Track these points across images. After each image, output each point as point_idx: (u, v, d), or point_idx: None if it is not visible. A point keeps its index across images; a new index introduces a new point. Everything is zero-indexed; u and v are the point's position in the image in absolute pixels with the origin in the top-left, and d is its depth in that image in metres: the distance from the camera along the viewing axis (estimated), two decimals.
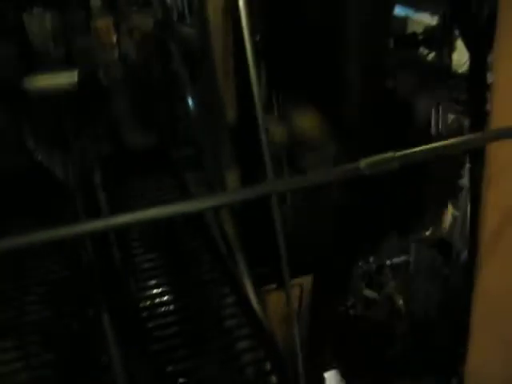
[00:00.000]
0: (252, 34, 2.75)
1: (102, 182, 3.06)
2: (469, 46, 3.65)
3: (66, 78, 2.51)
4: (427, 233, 4.51)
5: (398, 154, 1.26)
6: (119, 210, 2.99)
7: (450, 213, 4.39)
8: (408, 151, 1.23)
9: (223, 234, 2.73)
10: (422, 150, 1.30)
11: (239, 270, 2.65)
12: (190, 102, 2.98)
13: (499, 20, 1.57)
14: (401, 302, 4.16)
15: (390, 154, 1.25)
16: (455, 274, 4.31)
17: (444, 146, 1.37)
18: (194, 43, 3.49)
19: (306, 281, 3.71)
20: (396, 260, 4.40)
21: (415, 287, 4.40)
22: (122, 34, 2.75)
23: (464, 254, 4.26)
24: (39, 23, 2.52)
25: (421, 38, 4.64)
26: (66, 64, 2.65)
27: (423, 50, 4.52)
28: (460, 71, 4.03)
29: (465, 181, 4.41)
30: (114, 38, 2.75)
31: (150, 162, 3.54)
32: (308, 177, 1.23)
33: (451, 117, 4.02)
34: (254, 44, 2.79)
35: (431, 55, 4.43)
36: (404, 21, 5.45)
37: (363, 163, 1.23)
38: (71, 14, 2.66)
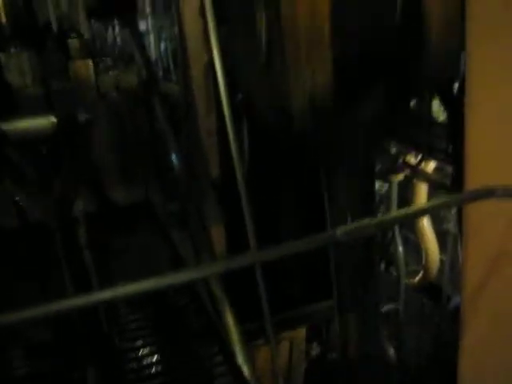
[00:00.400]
0: (233, 93, 2.82)
1: (86, 241, 3.06)
2: (442, 98, 3.76)
3: (44, 121, 2.54)
4: (416, 278, 4.52)
5: (374, 220, 1.29)
6: (105, 270, 2.97)
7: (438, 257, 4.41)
8: (384, 217, 1.26)
9: (209, 290, 2.73)
10: (397, 216, 1.33)
11: (227, 327, 2.64)
12: (174, 159, 3.02)
13: (467, 72, 1.64)
14: (392, 350, 4.12)
15: (366, 221, 1.28)
16: (446, 320, 4.30)
17: (420, 210, 1.41)
18: (178, 100, 3.56)
19: (297, 334, 3.69)
20: (386, 308, 4.39)
21: (406, 335, 4.38)
22: (101, 74, 2.81)
23: (454, 299, 4.27)
24: (16, 62, 2.56)
25: None
26: (44, 105, 2.68)
27: None
28: (440, 119, 4.11)
29: (451, 225, 4.45)
30: (93, 79, 2.80)
31: (135, 219, 3.56)
32: (288, 246, 1.26)
33: (433, 164, 4.09)
34: (236, 103, 2.86)
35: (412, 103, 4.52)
36: None
37: (340, 231, 1.26)
38: (49, 54, 2.71)
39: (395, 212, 1.20)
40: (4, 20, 2.70)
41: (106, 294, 1.22)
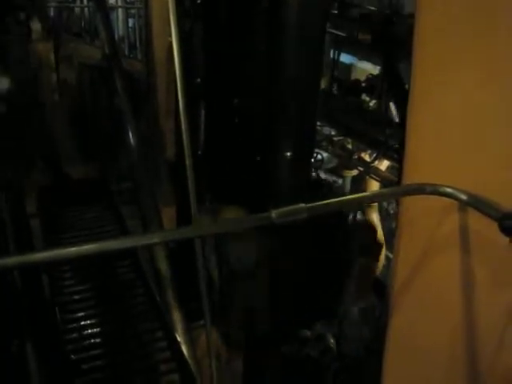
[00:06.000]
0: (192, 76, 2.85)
1: (37, 211, 3.05)
2: (395, 99, 3.87)
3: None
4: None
5: (308, 205, 1.34)
6: (53, 240, 2.96)
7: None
8: (317, 203, 1.31)
9: (155, 268, 2.75)
10: (330, 203, 1.39)
11: (170, 305, 2.67)
12: (130, 136, 3.02)
13: (413, 75, 1.71)
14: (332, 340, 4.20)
15: (300, 206, 1.34)
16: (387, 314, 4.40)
17: (352, 200, 1.48)
18: (140, 78, 3.56)
19: None
20: None
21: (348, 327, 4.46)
22: (62, 60, 2.78)
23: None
24: None
25: (363, 85, 4.79)
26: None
27: (365, 97, 4.67)
28: (397, 120, 4.19)
29: None
30: (53, 63, 2.77)
31: (89, 193, 3.55)
32: (224, 224, 1.31)
33: (387, 163, 4.19)
34: (195, 85, 2.89)
35: (372, 103, 4.59)
36: (349, 68, 5.70)
37: (274, 213, 1.31)
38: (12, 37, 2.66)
39: (328, 200, 1.26)
40: None
41: (47, 255, 1.23)
